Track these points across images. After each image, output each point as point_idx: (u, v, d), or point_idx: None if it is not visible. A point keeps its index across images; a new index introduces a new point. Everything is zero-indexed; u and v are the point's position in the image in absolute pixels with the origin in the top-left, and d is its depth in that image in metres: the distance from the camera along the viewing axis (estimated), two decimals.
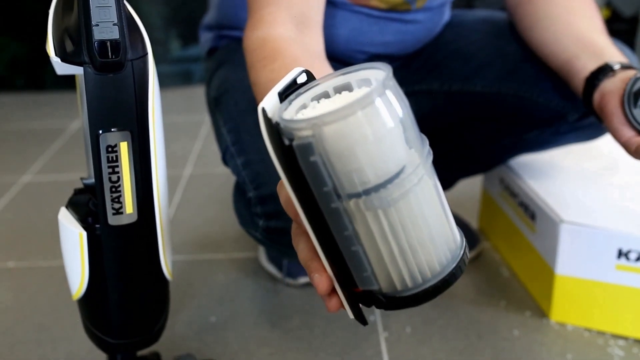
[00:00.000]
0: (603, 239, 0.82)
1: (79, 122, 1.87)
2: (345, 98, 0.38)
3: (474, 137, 0.96)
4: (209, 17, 0.97)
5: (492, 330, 0.88)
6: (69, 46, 0.52)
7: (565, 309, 0.88)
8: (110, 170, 0.54)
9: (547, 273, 0.89)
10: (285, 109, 0.37)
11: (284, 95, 0.38)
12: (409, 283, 0.37)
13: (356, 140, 0.33)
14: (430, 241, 0.37)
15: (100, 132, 0.53)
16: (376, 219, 0.35)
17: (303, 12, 0.67)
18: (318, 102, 0.38)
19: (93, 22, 0.51)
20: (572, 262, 0.85)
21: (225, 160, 0.81)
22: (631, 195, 0.91)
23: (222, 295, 0.98)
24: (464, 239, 0.39)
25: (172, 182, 1.42)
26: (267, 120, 0.35)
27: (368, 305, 0.39)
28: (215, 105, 0.87)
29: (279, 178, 0.71)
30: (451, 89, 0.90)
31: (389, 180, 0.35)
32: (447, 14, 0.94)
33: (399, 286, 0.37)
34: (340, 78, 0.38)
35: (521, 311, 0.92)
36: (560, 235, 0.84)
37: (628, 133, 0.67)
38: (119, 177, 0.54)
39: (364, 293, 0.38)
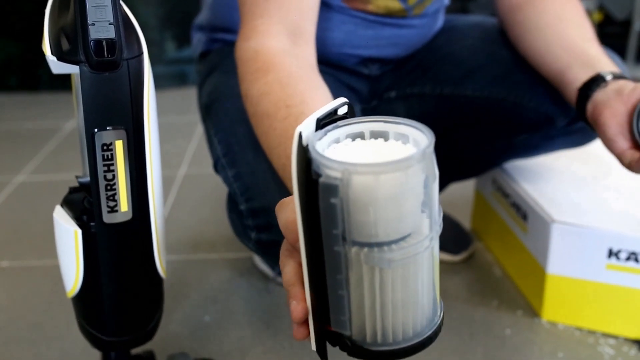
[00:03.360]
0: (594, 239, 0.83)
1: (73, 122, 1.87)
2: (379, 146, 0.38)
3: (465, 140, 0.96)
4: (202, 17, 0.96)
5: (484, 329, 0.89)
6: (65, 45, 0.53)
7: (556, 308, 0.89)
8: (106, 168, 0.54)
9: (538, 272, 0.90)
10: (320, 139, 0.37)
11: (321, 122, 0.39)
12: (379, 339, 0.38)
13: (379, 197, 0.34)
14: (413, 307, 0.37)
15: (96, 130, 0.54)
16: (371, 272, 0.36)
17: (296, 22, 0.67)
18: (352, 141, 0.39)
19: (89, 21, 0.51)
20: (563, 261, 0.86)
21: (217, 170, 0.80)
22: (621, 197, 0.92)
23: (216, 295, 0.98)
24: (443, 310, 0.40)
25: (166, 182, 1.42)
26: (301, 147, 0.35)
27: (334, 344, 0.39)
28: (206, 112, 0.86)
29: (270, 191, 0.71)
30: (442, 93, 0.91)
31: (396, 241, 0.35)
32: (441, 20, 0.95)
33: (369, 339, 0.38)
34: (380, 125, 0.39)
35: (513, 310, 0.93)
36: (552, 235, 0.85)
37: (623, 145, 0.68)
38: (114, 175, 0.55)
39: (334, 333, 0.39)
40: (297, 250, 0.40)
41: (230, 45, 0.88)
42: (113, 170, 0.55)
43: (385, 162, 0.34)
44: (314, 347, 0.40)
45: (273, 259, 0.79)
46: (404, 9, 0.83)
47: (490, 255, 1.08)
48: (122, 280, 0.60)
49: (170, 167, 1.51)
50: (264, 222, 0.71)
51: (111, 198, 0.55)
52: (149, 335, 0.66)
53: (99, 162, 0.54)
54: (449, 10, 0.98)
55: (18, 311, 0.95)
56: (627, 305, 0.85)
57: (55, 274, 0.69)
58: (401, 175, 0.34)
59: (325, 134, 0.38)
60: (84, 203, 0.58)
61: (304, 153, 0.35)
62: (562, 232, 0.85)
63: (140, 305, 0.63)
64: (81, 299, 0.60)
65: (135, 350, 0.69)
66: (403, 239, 0.36)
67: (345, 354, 0.39)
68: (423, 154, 0.34)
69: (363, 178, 0.34)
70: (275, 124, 0.57)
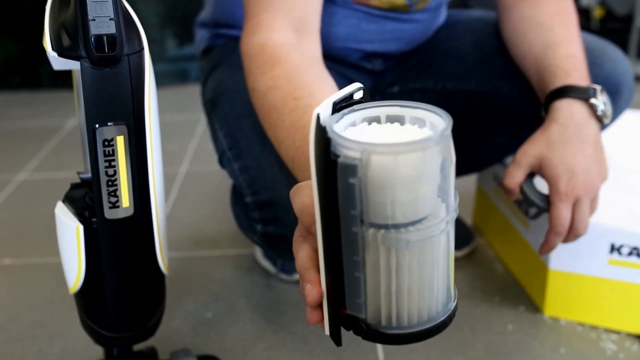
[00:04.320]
0: (596, 234, 0.83)
1: (75, 120, 1.87)
2: (396, 130, 0.38)
3: (468, 135, 0.96)
4: (205, 13, 0.97)
5: (486, 325, 0.89)
6: (66, 41, 0.53)
7: (558, 304, 0.89)
8: (107, 164, 0.54)
9: (540, 268, 0.89)
10: (337, 121, 0.38)
11: (337, 106, 0.39)
12: (394, 322, 0.38)
13: (397, 178, 0.34)
14: (428, 291, 0.37)
15: (97, 126, 0.54)
16: (387, 254, 0.36)
17: (301, 17, 0.67)
18: (368, 124, 0.39)
19: (90, 17, 0.51)
20: (565, 257, 0.86)
21: (222, 164, 0.80)
22: (623, 191, 0.91)
23: (218, 291, 0.98)
24: (457, 297, 0.41)
25: (168, 179, 1.42)
26: (319, 127, 0.35)
27: (348, 328, 0.39)
28: (211, 107, 0.86)
29: (277, 184, 0.71)
30: (445, 87, 0.91)
31: (412, 223, 0.36)
32: (443, 15, 0.95)
33: (383, 322, 0.38)
34: (396, 109, 0.39)
35: (515, 306, 0.93)
36: None
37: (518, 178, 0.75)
38: (115, 171, 0.55)
39: (348, 316, 0.39)
40: (312, 235, 0.40)
41: (234, 40, 0.88)
42: (114, 166, 0.55)
43: (404, 143, 0.34)
44: (327, 332, 0.40)
45: (278, 252, 0.79)
46: (407, 4, 0.83)
47: (492, 251, 1.08)
48: (124, 276, 0.60)
49: (171, 164, 1.51)
50: (271, 214, 0.71)
51: (113, 194, 0.55)
52: (151, 331, 0.66)
53: (100, 157, 0.54)
54: (451, 5, 0.98)
55: (20, 308, 0.95)
56: (630, 301, 0.85)
57: (57, 272, 0.69)
58: (419, 156, 0.34)
59: (342, 117, 0.38)
60: (85, 199, 0.58)
61: (322, 134, 0.35)
62: None
63: (143, 301, 0.63)
64: (83, 295, 0.60)
65: (137, 347, 0.70)
66: (420, 221, 0.36)
67: (357, 340, 0.39)
68: (441, 136, 0.34)
69: (382, 158, 0.34)
70: (284, 116, 0.58)
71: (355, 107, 0.39)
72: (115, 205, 0.56)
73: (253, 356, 0.83)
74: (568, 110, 0.71)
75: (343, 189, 0.35)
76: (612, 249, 0.83)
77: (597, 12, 2.37)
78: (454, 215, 0.37)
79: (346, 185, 0.34)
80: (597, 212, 0.85)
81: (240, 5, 0.72)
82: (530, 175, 0.76)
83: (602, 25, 2.36)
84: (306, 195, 0.41)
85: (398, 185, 0.34)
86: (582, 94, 0.71)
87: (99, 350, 0.71)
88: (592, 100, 0.71)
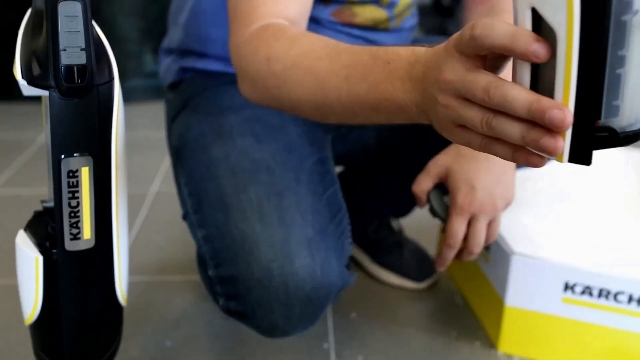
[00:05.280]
0: (550, 272, 0.85)
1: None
2: None
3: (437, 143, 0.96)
4: (172, 38, 0.90)
5: (442, 359, 0.90)
6: (36, 69, 0.53)
7: (513, 340, 0.91)
8: (70, 195, 0.55)
9: (497, 304, 0.92)
10: None
11: None
12: None
13: None
14: None
15: (63, 157, 0.54)
16: None
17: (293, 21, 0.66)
18: None
19: (61, 47, 0.52)
20: (521, 293, 0.88)
21: (186, 221, 0.78)
22: (580, 227, 0.94)
23: (179, 319, 0.98)
24: None
25: (137, 199, 1.41)
26: None
27: (597, 141, 0.37)
28: (176, 157, 0.83)
29: (238, 260, 0.67)
30: None
31: None
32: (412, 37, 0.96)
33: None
34: None
35: (471, 341, 0.94)
36: (511, 267, 0.87)
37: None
38: (78, 202, 0.55)
39: (600, 128, 0.36)
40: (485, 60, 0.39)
41: (204, 75, 0.85)
42: (78, 197, 0.55)
43: None
44: (566, 158, 0.37)
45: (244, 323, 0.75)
46: (388, 17, 0.83)
47: (453, 284, 1.10)
48: (82, 307, 0.60)
49: (142, 183, 1.50)
50: (232, 291, 0.68)
51: (74, 225, 0.55)
52: None
53: (64, 188, 0.54)
54: (429, 30, 0.98)
55: None
56: (582, 339, 0.87)
57: (16, 295, 0.68)
58: None
59: None
60: (47, 229, 0.58)
61: None
62: (521, 264, 0.86)
63: (99, 333, 0.63)
64: (39, 327, 0.60)
65: None
66: None
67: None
68: None
69: None
70: (319, 53, 0.56)
71: None
72: (76, 237, 0.56)
73: None
74: None
75: None
76: (566, 287, 0.85)
77: None
78: None
79: None
80: (553, 250, 0.87)
81: (216, 24, 0.68)
82: (443, 187, 0.77)
83: None
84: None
85: None
86: None
87: None
88: None
